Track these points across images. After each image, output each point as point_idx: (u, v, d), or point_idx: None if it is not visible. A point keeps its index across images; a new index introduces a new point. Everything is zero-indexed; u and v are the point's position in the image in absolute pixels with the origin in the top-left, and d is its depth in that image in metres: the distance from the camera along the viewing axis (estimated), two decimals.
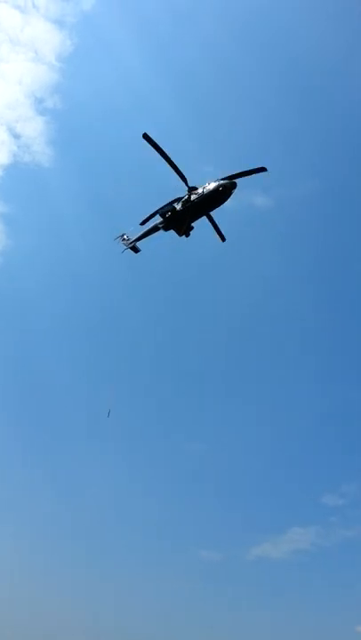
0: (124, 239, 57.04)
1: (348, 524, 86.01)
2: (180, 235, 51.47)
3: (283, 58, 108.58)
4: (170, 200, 50.24)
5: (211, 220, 51.36)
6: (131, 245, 56.70)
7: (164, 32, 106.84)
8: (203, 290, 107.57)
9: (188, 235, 51.22)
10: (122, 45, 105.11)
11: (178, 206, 49.76)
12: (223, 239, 52.72)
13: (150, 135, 44.38)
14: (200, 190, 48.43)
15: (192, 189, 48.76)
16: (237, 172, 46.67)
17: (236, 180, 46.80)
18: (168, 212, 49.85)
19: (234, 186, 47.01)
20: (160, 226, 52.00)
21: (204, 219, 50.90)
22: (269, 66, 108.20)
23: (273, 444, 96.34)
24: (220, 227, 52.17)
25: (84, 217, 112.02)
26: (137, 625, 77.92)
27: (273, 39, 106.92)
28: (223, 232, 52.39)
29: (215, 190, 47.44)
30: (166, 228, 51.68)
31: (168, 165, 45.82)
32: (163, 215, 50.25)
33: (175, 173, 46.72)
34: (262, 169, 46.03)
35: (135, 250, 57.22)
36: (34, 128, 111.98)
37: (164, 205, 50.26)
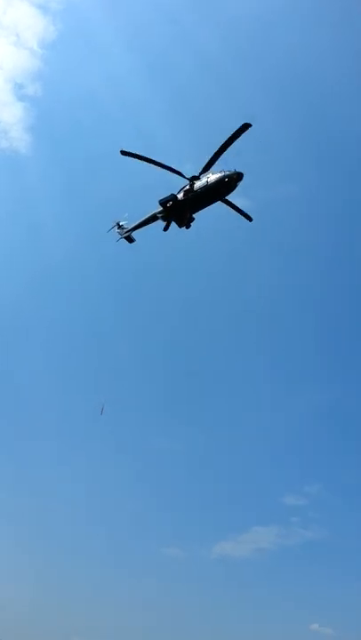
0: (119, 227, 54.37)
1: (308, 525, 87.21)
2: (180, 226, 49.21)
3: (267, 59, 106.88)
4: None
5: (230, 204, 48.60)
6: (126, 235, 54.17)
7: (150, 24, 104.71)
8: (175, 285, 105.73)
9: (188, 226, 49.05)
10: (106, 35, 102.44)
11: (180, 196, 47.57)
12: (250, 219, 50.17)
13: (127, 150, 43.72)
14: (203, 180, 46.44)
15: (194, 179, 46.70)
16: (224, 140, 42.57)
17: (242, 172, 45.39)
18: (169, 201, 47.51)
19: (240, 177, 45.15)
20: (159, 215, 49.68)
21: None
22: (253, 67, 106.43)
23: (239, 445, 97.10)
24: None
25: (61, 205, 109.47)
26: (101, 620, 77.90)
27: (255, 38, 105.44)
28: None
29: (220, 181, 45.46)
30: (166, 219, 49.45)
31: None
32: (163, 204, 47.91)
33: (170, 173, 45.02)
34: (247, 125, 41.28)
35: (130, 240, 54.73)
36: (13, 114, 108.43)
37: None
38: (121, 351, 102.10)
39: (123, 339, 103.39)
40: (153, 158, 44.59)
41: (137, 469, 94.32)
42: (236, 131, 41.33)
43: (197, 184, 46.62)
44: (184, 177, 46.26)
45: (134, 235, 54.07)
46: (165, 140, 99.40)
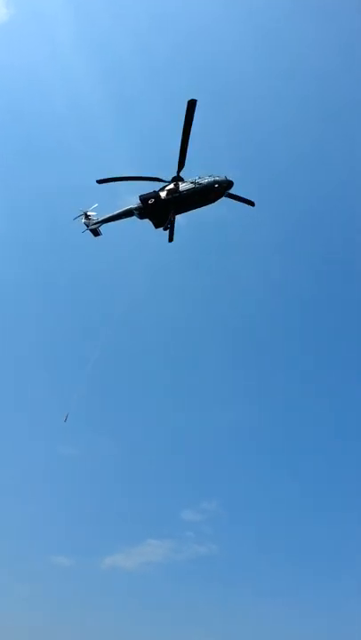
0: (86, 217, 49.56)
1: (202, 540, 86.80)
2: (156, 226, 45.97)
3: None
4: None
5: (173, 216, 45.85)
6: (93, 227, 49.50)
7: (107, 26, 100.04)
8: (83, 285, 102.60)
9: (166, 228, 45.96)
10: (61, 27, 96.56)
11: (163, 194, 44.43)
12: (171, 240, 48.03)
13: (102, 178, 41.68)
14: (190, 183, 43.87)
15: (177, 179, 43.86)
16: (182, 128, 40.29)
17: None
18: (152, 198, 44.21)
19: (230, 185, 43.20)
20: (135, 212, 46.07)
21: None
22: (204, 78, 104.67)
23: (143, 457, 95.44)
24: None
25: None
26: None
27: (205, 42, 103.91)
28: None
29: (209, 186, 43.16)
30: (142, 216, 45.99)
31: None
32: (144, 201, 44.41)
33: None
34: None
35: (96, 233, 50.16)
36: None
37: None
38: (31, 354, 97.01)
39: (34, 339, 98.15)
40: (127, 175, 42.92)
41: (35, 473, 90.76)
42: (187, 112, 38.31)
43: (183, 185, 43.92)
44: (163, 180, 43.33)
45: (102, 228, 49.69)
46: (108, 139, 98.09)
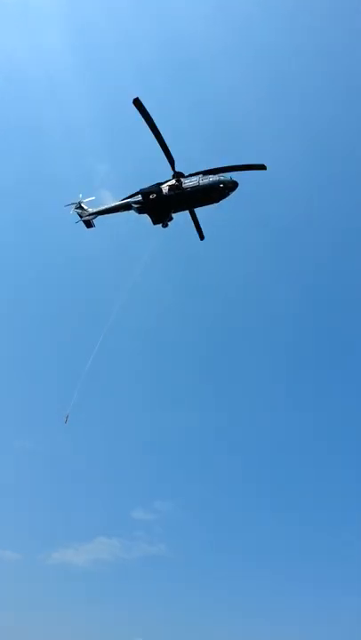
0: (80, 208, 47.20)
1: (152, 540, 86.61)
2: (154, 222, 44.27)
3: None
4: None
5: (193, 214, 45.48)
6: (87, 218, 47.21)
7: (97, 22, 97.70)
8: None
9: (166, 225, 44.30)
10: (45, 9, 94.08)
11: (165, 190, 42.79)
12: (202, 237, 47.22)
13: (142, 101, 37.14)
14: (194, 180, 42.42)
15: (179, 175, 42.49)
16: (235, 164, 41.17)
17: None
18: (153, 193, 42.50)
19: (235, 186, 41.94)
20: (134, 206, 44.20)
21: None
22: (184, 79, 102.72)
23: (97, 452, 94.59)
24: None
25: None
26: None
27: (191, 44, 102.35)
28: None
29: (214, 185, 41.79)
30: (141, 211, 44.18)
31: (156, 141, 39.24)
32: (145, 195, 42.63)
33: (162, 152, 40.11)
34: (262, 166, 41.14)
35: (89, 225, 47.92)
36: None
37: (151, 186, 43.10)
38: None
39: None
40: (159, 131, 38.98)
41: None
42: (251, 165, 39.96)
43: (186, 182, 42.42)
44: (172, 169, 41.83)
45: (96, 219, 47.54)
46: (85, 137, 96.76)
